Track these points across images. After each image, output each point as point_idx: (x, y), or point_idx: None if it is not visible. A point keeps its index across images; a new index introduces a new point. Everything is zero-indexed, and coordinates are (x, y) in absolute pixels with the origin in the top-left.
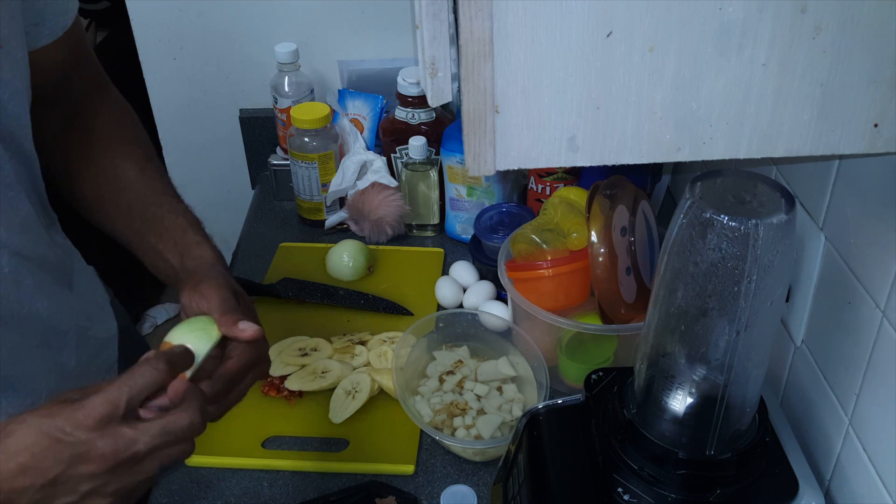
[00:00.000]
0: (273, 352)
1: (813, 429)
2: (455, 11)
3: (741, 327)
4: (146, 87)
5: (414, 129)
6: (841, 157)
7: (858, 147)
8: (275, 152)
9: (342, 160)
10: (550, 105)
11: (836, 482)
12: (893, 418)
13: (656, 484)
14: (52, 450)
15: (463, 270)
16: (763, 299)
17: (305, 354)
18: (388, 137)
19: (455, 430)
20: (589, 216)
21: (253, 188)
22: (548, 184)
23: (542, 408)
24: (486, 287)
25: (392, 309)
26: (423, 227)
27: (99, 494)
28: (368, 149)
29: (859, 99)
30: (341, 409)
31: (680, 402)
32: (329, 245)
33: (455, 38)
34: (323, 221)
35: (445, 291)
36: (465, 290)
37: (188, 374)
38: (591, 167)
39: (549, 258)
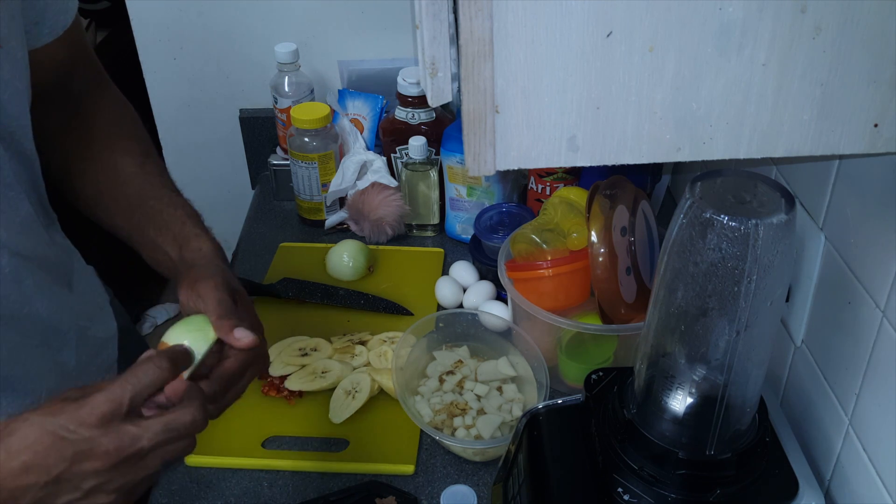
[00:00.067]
0: (273, 352)
1: (813, 429)
2: (455, 11)
3: (741, 327)
4: (146, 87)
5: (414, 129)
6: (841, 157)
7: (858, 147)
8: (275, 152)
9: (342, 160)
10: (550, 105)
11: (836, 482)
12: (893, 418)
13: (656, 484)
14: (55, 447)
15: (463, 270)
16: (763, 299)
17: (305, 354)
18: (388, 137)
19: (455, 430)
20: (589, 216)
21: (253, 188)
22: (548, 184)
23: (542, 408)
24: (486, 287)
25: (392, 309)
26: (423, 227)
27: (102, 491)
28: (368, 149)
29: (859, 99)
30: (341, 409)
31: (680, 402)
32: (329, 245)
33: (455, 38)
34: (323, 221)
35: (445, 291)
36: (465, 290)
37: (186, 374)
38: (591, 167)
39: (549, 258)
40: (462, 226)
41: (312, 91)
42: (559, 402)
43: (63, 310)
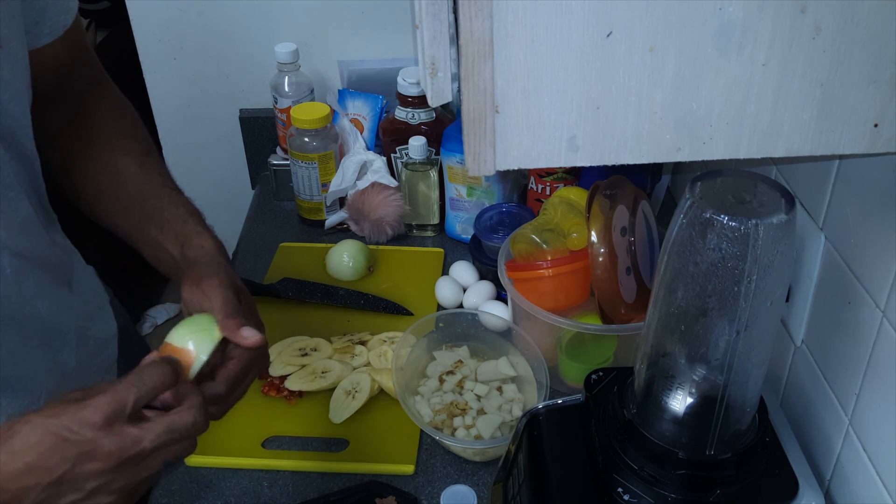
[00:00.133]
0: (273, 352)
1: (813, 429)
2: (455, 11)
3: (741, 327)
4: (146, 87)
5: (414, 129)
6: (841, 157)
7: (858, 147)
8: (275, 152)
9: (342, 160)
10: (550, 105)
11: (836, 482)
12: (893, 418)
13: (656, 484)
14: (58, 448)
15: (463, 270)
16: (763, 299)
17: (305, 354)
18: (388, 137)
19: (455, 430)
20: (589, 216)
21: (253, 188)
22: (548, 184)
23: (542, 408)
24: (486, 287)
25: (392, 309)
26: (423, 227)
27: (104, 492)
28: (368, 149)
29: (859, 99)
30: (341, 409)
31: (680, 402)
32: (329, 245)
33: (455, 38)
34: (323, 221)
35: (445, 291)
36: (465, 290)
37: (191, 374)
38: (591, 167)
39: (549, 258)
40: (462, 226)
41: (312, 91)
42: (559, 402)
43: (63, 310)
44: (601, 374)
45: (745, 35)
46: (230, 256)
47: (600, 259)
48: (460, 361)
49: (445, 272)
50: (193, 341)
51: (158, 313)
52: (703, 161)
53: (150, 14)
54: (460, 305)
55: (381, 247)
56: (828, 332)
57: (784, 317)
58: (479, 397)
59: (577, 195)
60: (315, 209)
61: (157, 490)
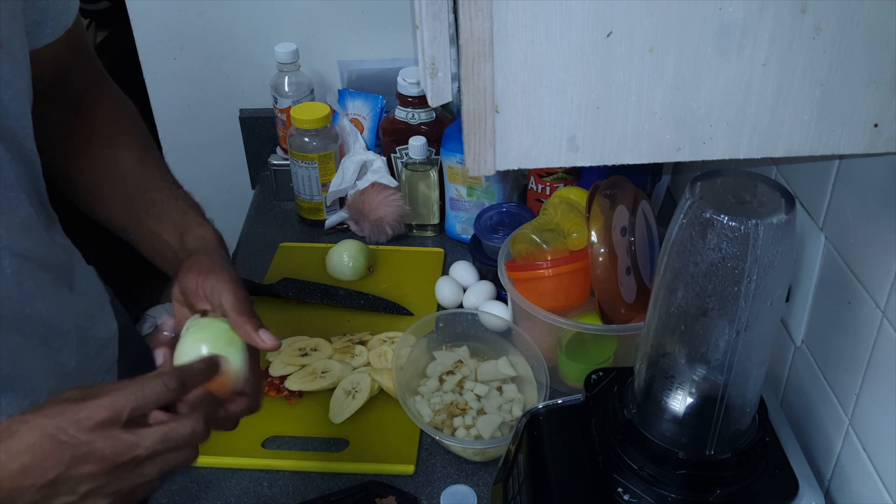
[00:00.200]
0: (273, 352)
1: (813, 429)
2: (455, 11)
3: (741, 327)
4: (146, 87)
5: (414, 129)
6: (841, 157)
7: (858, 147)
8: (275, 152)
9: (342, 160)
10: (550, 105)
11: (836, 482)
12: (893, 418)
13: (656, 484)
14: (53, 451)
15: (463, 270)
16: (763, 299)
17: (305, 354)
18: (388, 137)
19: (455, 430)
20: (589, 216)
21: (253, 188)
22: (548, 184)
23: (542, 408)
24: (486, 287)
25: (392, 309)
26: (423, 227)
27: (98, 495)
28: (368, 149)
29: (859, 99)
30: (341, 409)
31: (680, 402)
32: (329, 245)
33: (455, 38)
34: (323, 221)
35: (445, 291)
36: (465, 290)
37: (229, 387)
38: (591, 167)
39: (549, 258)
40: (462, 226)
41: (312, 91)
42: (559, 402)
43: (63, 310)
44: (601, 374)
45: (745, 35)
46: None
47: (600, 259)
48: (460, 361)
49: (445, 272)
50: (228, 353)
51: (158, 313)
52: (703, 161)
53: (150, 14)
54: (460, 305)
55: (381, 247)
56: (828, 332)
57: (784, 317)
58: (479, 397)
59: (577, 195)
60: (315, 209)
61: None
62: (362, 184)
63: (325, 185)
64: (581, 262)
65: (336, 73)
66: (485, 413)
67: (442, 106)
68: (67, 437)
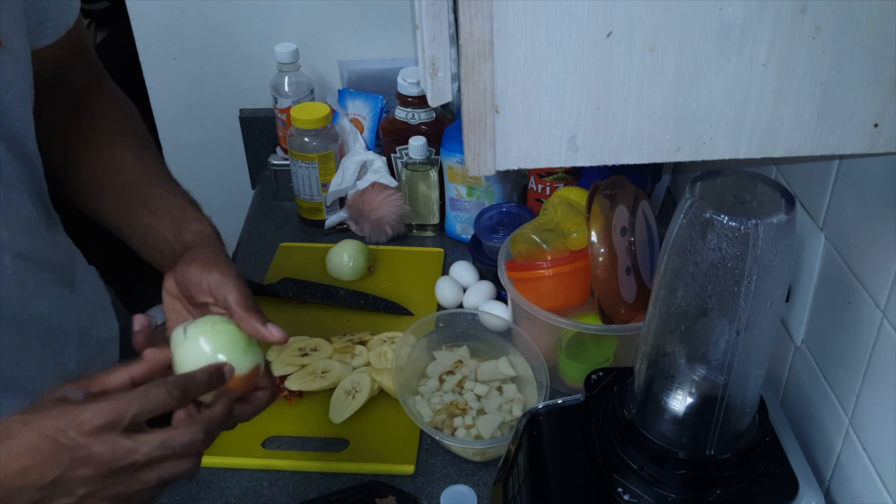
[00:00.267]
0: (273, 352)
1: (813, 429)
2: (455, 11)
3: (741, 327)
4: (146, 87)
5: (414, 129)
6: (841, 157)
7: (858, 147)
8: (275, 152)
9: (342, 160)
10: (550, 105)
11: (836, 482)
12: (893, 418)
13: (656, 484)
14: (52, 452)
15: (463, 270)
16: (763, 299)
17: (305, 354)
18: (388, 137)
19: (455, 430)
20: (589, 216)
21: (253, 188)
22: (548, 184)
23: (542, 408)
24: (486, 287)
25: (392, 309)
26: (423, 227)
27: (95, 498)
28: (368, 149)
29: (859, 99)
30: (341, 409)
31: (680, 402)
32: (329, 245)
33: (455, 38)
34: (323, 221)
35: (445, 291)
36: (465, 290)
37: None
38: (591, 167)
39: (549, 258)
40: (462, 226)
41: (312, 91)
42: (559, 402)
43: (65, 310)
44: (601, 374)
45: (745, 35)
46: (230, 257)
47: (600, 259)
48: (460, 361)
49: (445, 272)
50: (240, 357)
51: (159, 313)
52: (703, 161)
53: (150, 14)
54: (460, 305)
55: (381, 247)
56: (828, 332)
57: (784, 317)
58: (479, 397)
59: (577, 195)
60: (315, 209)
61: None
62: (362, 184)
63: (325, 185)
64: (581, 262)
65: (336, 73)
66: (485, 413)
67: (442, 106)
68: (67, 439)
